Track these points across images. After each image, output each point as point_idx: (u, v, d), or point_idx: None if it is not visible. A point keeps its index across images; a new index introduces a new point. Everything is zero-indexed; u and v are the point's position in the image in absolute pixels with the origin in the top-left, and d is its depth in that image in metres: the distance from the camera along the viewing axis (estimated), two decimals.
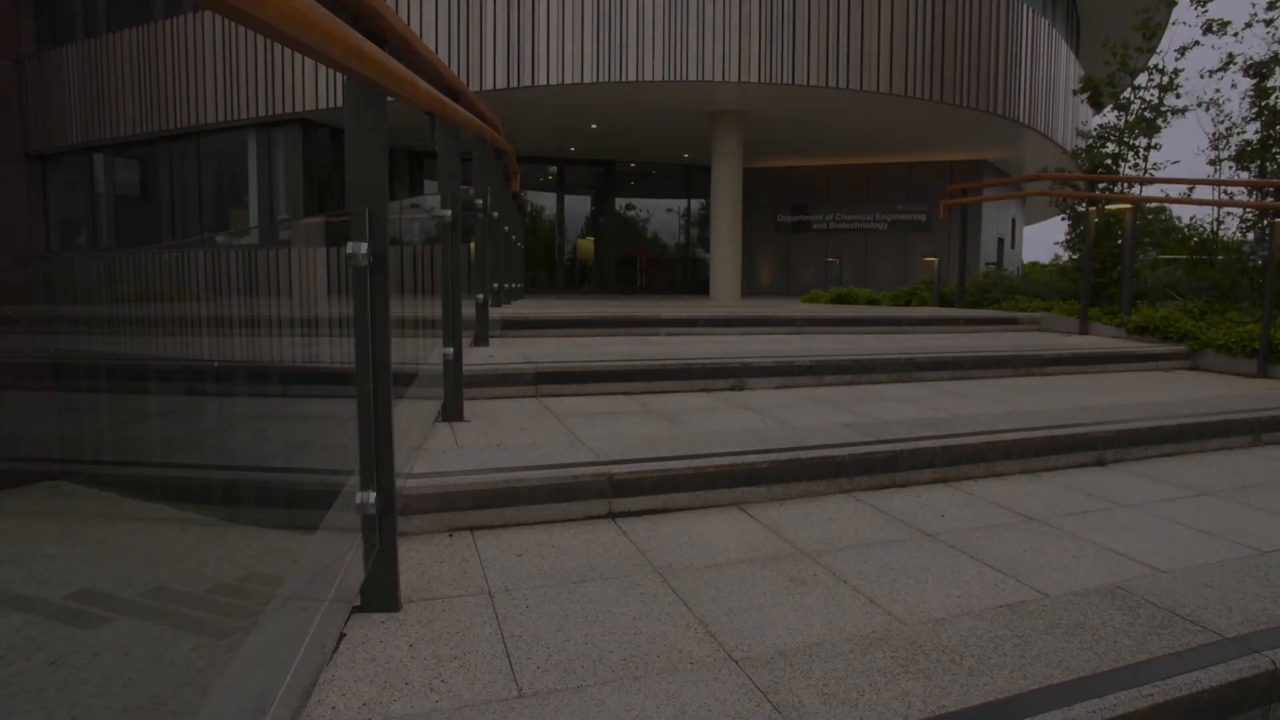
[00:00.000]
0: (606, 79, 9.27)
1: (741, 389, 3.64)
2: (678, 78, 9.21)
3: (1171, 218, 8.64)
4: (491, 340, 4.29)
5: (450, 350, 2.70)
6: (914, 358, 4.12)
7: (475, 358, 3.58)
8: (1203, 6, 7.92)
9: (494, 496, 2.02)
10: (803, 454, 2.37)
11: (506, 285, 6.20)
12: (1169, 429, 3.09)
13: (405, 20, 8.99)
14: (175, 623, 1.71)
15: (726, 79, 9.21)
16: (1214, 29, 7.86)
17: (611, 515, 2.13)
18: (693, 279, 16.08)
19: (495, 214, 4.79)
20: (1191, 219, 8.08)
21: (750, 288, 15.45)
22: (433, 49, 9.31)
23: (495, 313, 4.69)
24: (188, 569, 2.01)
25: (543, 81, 9.39)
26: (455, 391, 2.77)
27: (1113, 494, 2.50)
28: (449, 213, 2.62)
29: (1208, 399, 3.80)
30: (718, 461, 2.25)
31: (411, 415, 2.30)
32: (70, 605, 1.76)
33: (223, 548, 2.10)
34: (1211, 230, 7.62)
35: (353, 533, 1.51)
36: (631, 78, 9.23)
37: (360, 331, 1.46)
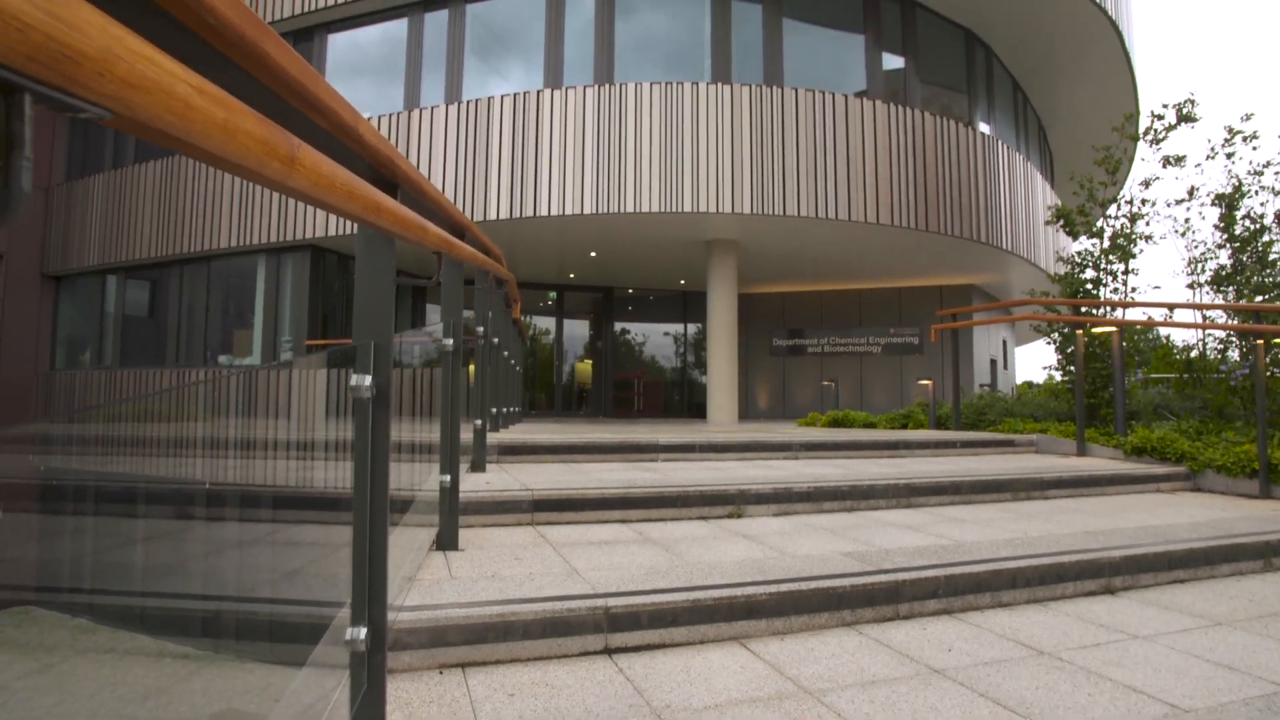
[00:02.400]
0: (605, 210, 9.71)
1: (740, 516, 3.60)
2: (673, 209, 9.65)
3: (1159, 337, 8.84)
4: (489, 466, 4.27)
5: (447, 478, 2.69)
6: (913, 483, 4.10)
7: (472, 484, 3.56)
8: (1157, 145, 8.44)
9: (487, 631, 1.96)
10: (803, 585, 2.32)
11: (505, 409, 6.23)
12: (1178, 554, 3.04)
13: (416, 158, 9.49)
14: None
15: (720, 210, 9.65)
16: (1171, 163, 8.35)
17: (608, 651, 2.06)
18: (690, 402, 16.17)
19: (495, 340, 4.89)
20: (1167, 338, 8.28)
21: (747, 411, 15.52)
22: (441, 184, 9.74)
23: (493, 438, 4.70)
24: (159, 705, 1.91)
25: (544, 213, 9.83)
26: (451, 520, 2.74)
27: (1125, 625, 2.43)
28: (450, 341, 2.68)
29: (1213, 522, 3.75)
30: (716, 594, 2.20)
31: (406, 544, 2.27)
32: None
33: (200, 682, 2.01)
34: (1199, 350, 7.78)
35: (340, 669, 1.46)
36: (629, 209, 9.67)
37: (359, 463, 1.47)
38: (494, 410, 5.31)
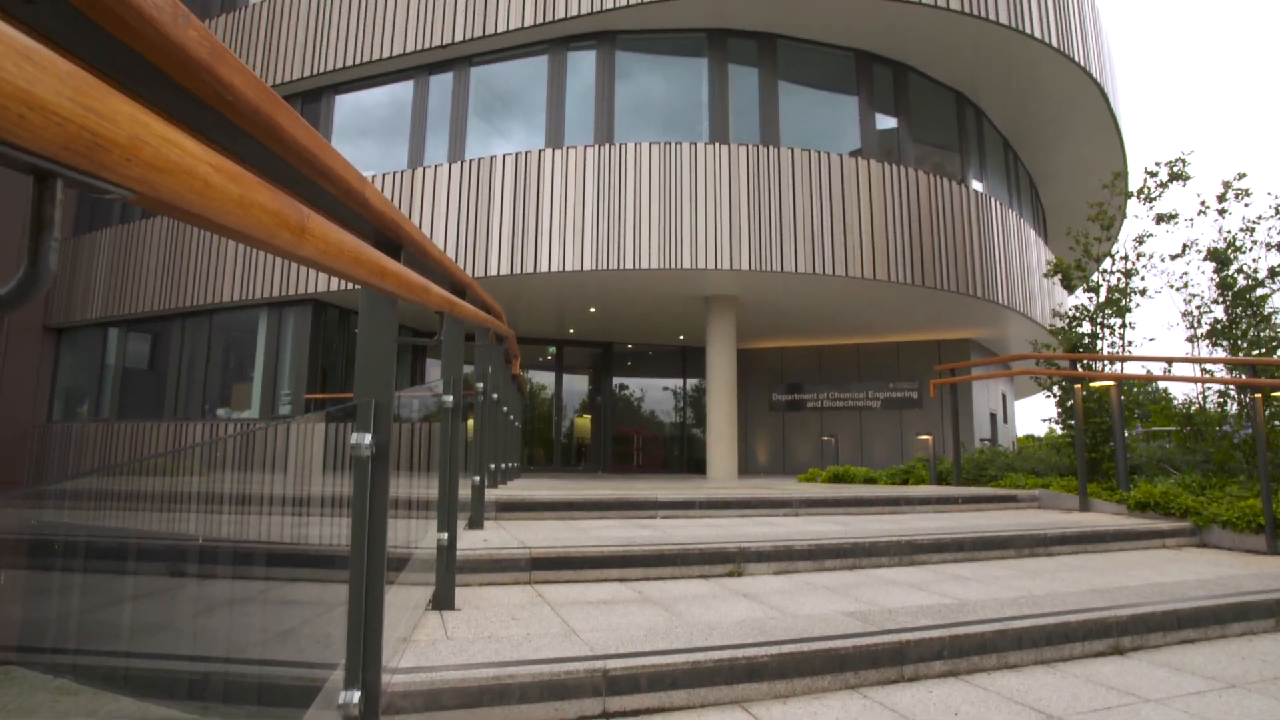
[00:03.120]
0: (605, 267, 9.82)
1: (740, 575, 3.55)
2: (673, 266, 9.76)
3: (1159, 391, 8.84)
4: (486, 523, 4.23)
5: (444, 536, 2.67)
6: (915, 539, 4.06)
7: (469, 541, 3.52)
8: (1149, 203, 8.58)
9: (483, 694, 1.92)
10: (805, 646, 2.28)
11: (503, 465, 6.20)
12: (1186, 613, 2.99)
13: (419, 215, 9.64)
14: None
15: (719, 267, 9.76)
16: (1164, 220, 8.46)
17: (606, 715, 2.01)
18: (689, 458, 16.08)
19: (495, 395, 4.90)
20: (1166, 391, 8.28)
21: (747, 466, 15.42)
22: (443, 241, 9.85)
23: (491, 494, 4.67)
24: None
25: (545, 269, 9.94)
26: (448, 579, 2.70)
27: (1136, 687, 2.38)
28: (450, 398, 2.69)
29: (1221, 579, 3.70)
30: (717, 656, 2.16)
31: (402, 603, 2.23)
32: None
33: None
34: (1199, 403, 7.78)
35: None
36: (629, 266, 9.78)
37: (357, 521, 1.47)
38: (492, 466, 5.28)
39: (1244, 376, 6.65)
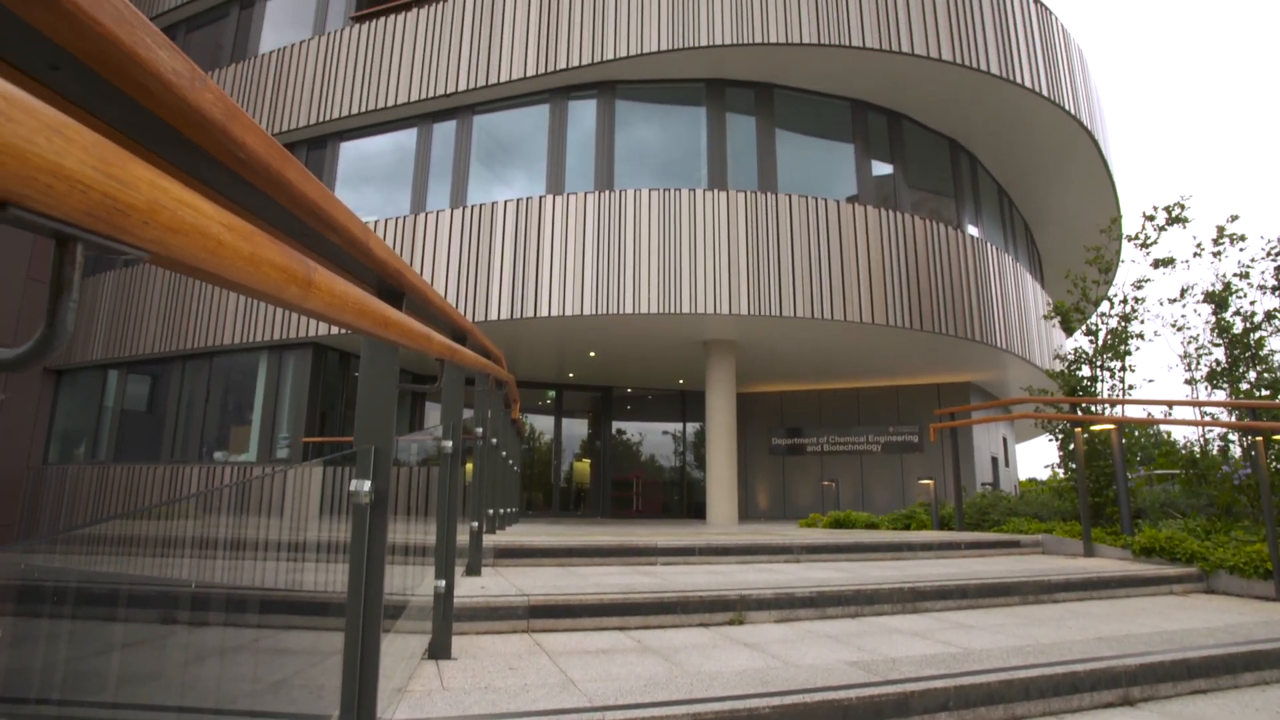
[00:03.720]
0: (605, 311, 9.88)
1: (741, 623, 3.50)
2: (672, 310, 9.82)
3: (1160, 433, 8.80)
4: (484, 569, 4.19)
5: (442, 583, 2.64)
6: (918, 586, 4.01)
7: (467, 588, 3.48)
8: (1145, 249, 8.66)
9: None
10: (808, 698, 2.24)
11: (502, 510, 6.16)
12: (1196, 662, 2.94)
13: (421, 260, 9.73)
14: None
15: (718, 312, 9.82)
16: (1161, 265, 8.53)
17: None
18: (689, 502, 15.95)
19: (494, 440, 4.89)
20: (1168, 434, 8.25)
21: (748, 511, 15.29)
22: (444, 285, 9.91)
23: (489, 540, 4.62)
24: None
25: (545, 314, 10.00)
26: (444, 627, 2.66)
27: None
28: (450, 444, 2.69)
29: (1230, 627, 3.65)
30: (718, 707, 2.12)
31: (397, 652, 2.20)
32: None
33: None
34: (1201, 446, 7.75)
35: None
36: (629, 310, 9.84)
37: (355, 569, 1.46)
38: (490, 511, 5.24)
39: (1245, 419, 6.64)
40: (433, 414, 14.57)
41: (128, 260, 0.44)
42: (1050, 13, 12.40)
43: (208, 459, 12.50)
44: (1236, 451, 7.17)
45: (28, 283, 14.93)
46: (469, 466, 4.12)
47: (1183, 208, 8.54)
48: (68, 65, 0.47)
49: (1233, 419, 7.12)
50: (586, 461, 16.16)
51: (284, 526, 2.06)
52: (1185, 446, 8.02)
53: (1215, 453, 7.36)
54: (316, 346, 11.91)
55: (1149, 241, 8.62)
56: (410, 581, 2.47)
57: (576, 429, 16.34)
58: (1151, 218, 8.67)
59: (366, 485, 1.43)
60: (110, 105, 0.52)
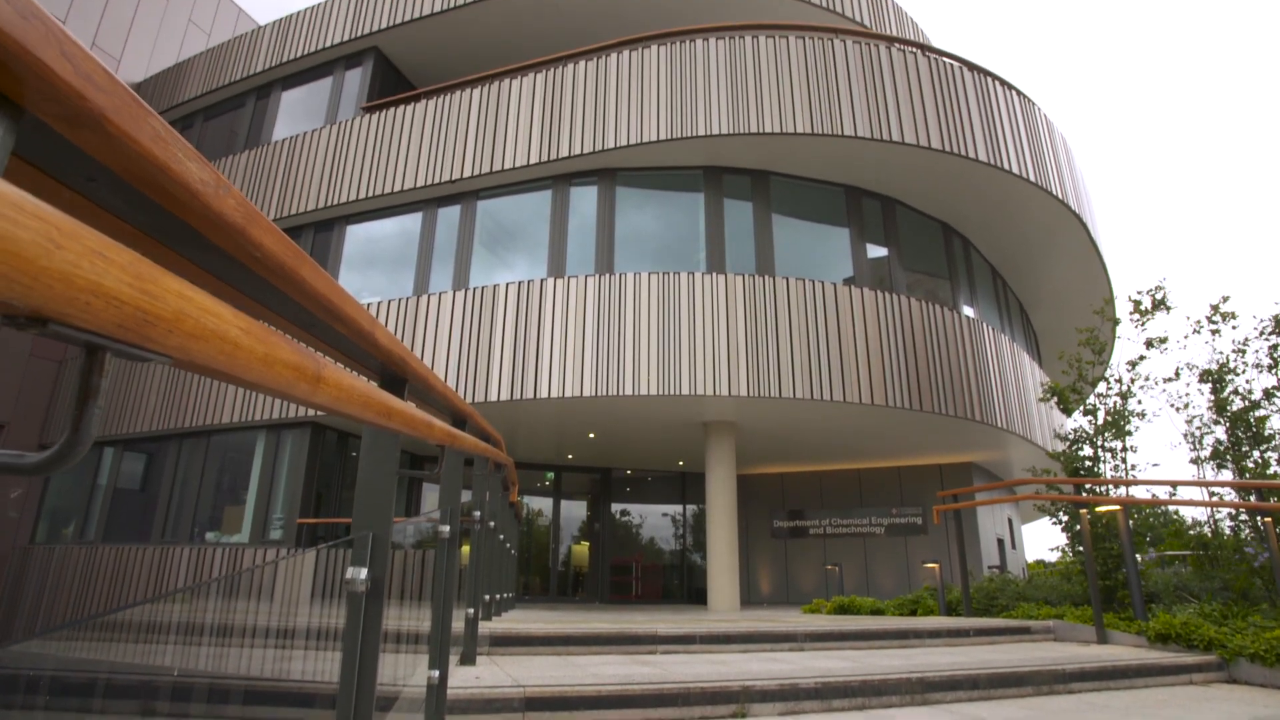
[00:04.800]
0: (604, 393, 9.91)
1: (744, 715, 3.38)
2: (671, 392, 9.85)
3: (1169, 514, 8.67)
4: (479, 658, 4.06)
5: (436, 674, 2.56)
6: (926, 677, 3.88)
7: (461, 678, 3.37)
8: (1142, 326, 8.74)
9: None
10: None
11: (498, 596, 6.02)
12: None
13: (422, 341, 9.82)
14: None
15: (717, 393, 9.85)
16: (1154, 344, 8.59)
17: None
18: (690, 587, 15.58)
19: (492, 524, 4.82)
20: (1176, 514, 8.13)
21: (749, 595, 14.93)
22: (445, 366, 9.96)
23: (485, 627, 4.50)
24: None
25: (545, 395, 10.02)
26: None
27: None
28: (447, 528, 2.66)
29: None
30: None
31: None
32: None
33: None
34: (1210, 526, 7.62)
35: None
36: (628, 392, 9.87)
37: (348, 661, 1.42)
38: (487, 597, 5.12)
39: (1253, 499, 6.57)
40: (429, 495, 14.41)
41: (150, 363, 0.46)
42: (1033, 103, 12.92)
43: (199, 540, 12.27)
44: (1246, 532, 7.05)
45: (30, 360, 15.02)
46: (465, 550, 4.05)
47: (1163, 290, 8.66)
48: (103, 177, 0.50)
49: (1241, 499, 7.03)
50: (585, 544, 15.86)
51: (274, 612, 2.02)
52: (1194, 526, 7.90)
53: (1226, 533, 7.24)
54: (315, 426, 11.88)
55: (1142, 323, 8.71)
56: (402, 671, 2.40)
57: (575, 511, 16.12)
58: (1138, 302, 8.79)
59: (363, 573, 1.41)
60: (139, 212, 0.54)
